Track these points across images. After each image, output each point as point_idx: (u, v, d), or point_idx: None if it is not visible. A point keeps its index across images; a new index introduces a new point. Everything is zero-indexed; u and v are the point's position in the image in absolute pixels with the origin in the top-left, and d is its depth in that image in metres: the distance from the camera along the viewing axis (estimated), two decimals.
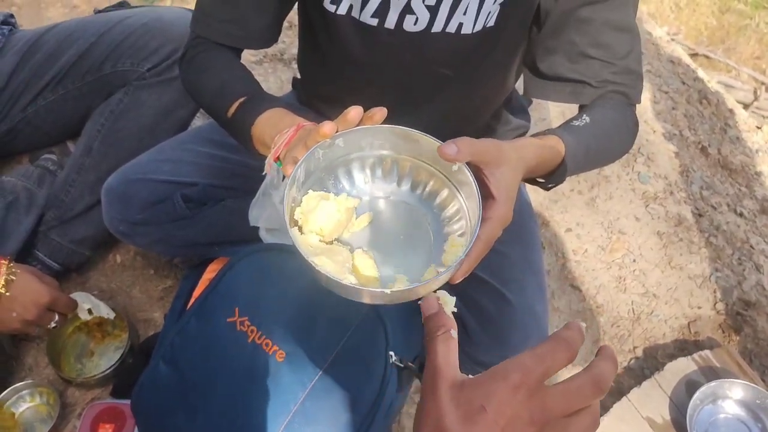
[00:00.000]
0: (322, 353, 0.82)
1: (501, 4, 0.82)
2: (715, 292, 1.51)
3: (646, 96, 1.94)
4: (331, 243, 0.59)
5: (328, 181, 0.61)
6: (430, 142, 0.56)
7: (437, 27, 0.85)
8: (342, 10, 0.84)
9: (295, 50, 1.67)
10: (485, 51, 0.89)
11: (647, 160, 1.70)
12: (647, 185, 1.65)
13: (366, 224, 0.62)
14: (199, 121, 1.46)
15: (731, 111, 2.04)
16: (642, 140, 1.75)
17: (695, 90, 2.06)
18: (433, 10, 0.83)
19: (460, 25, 0.84)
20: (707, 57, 4.64)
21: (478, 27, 0.84)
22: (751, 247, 1.63)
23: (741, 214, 1.68)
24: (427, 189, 0.62)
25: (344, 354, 0.83)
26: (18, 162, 1.46)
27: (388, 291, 0.49)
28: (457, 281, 0.54)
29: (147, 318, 1.33)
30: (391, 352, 0.81)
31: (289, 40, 1.93)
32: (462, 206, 0.58)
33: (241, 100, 0.80)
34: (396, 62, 0.91)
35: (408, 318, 0.90)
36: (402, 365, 0.78)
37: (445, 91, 0.96)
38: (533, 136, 0.72)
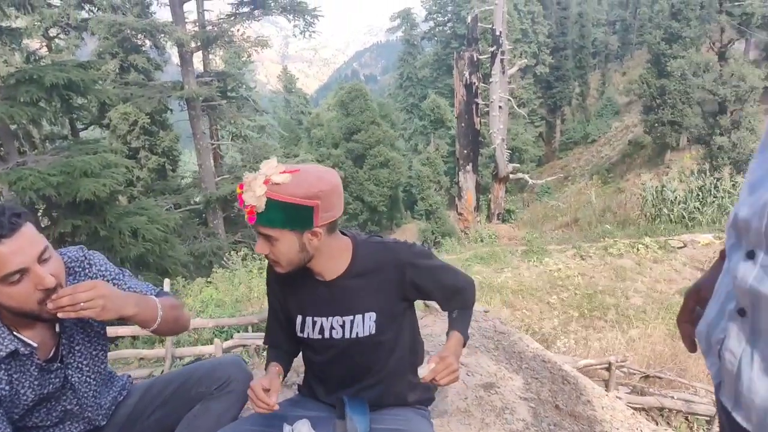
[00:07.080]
0: None
1: (375, 321, 1.56)
2: None
3: (520, 381, 3.09)
4: None
5: None
6: None
7: (346, 336, 1.58)
8: (304, 335, 1.63)
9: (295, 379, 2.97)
10: (377, 343, 1.59)
11: (512, 411, 2.74)
12: (511, 425, 2.66)
13: None
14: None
15: (586, 387, 3.12)
16: (507, 402, 2.83)
17: (559, 376, 3.20)
18: (342, 329, 1.59)
19: (357, 333, 1.57)
20: (659, 377, 5.62)
21: (365, 333, 1.57)
22: None
23: None
24: None
25: None
26: None
27: None
28: None
29: None
30: None
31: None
32: None
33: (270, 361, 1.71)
34: (333, 355, 1.63)
35: None
36: None
37: (364, 373, 1.64)
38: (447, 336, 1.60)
